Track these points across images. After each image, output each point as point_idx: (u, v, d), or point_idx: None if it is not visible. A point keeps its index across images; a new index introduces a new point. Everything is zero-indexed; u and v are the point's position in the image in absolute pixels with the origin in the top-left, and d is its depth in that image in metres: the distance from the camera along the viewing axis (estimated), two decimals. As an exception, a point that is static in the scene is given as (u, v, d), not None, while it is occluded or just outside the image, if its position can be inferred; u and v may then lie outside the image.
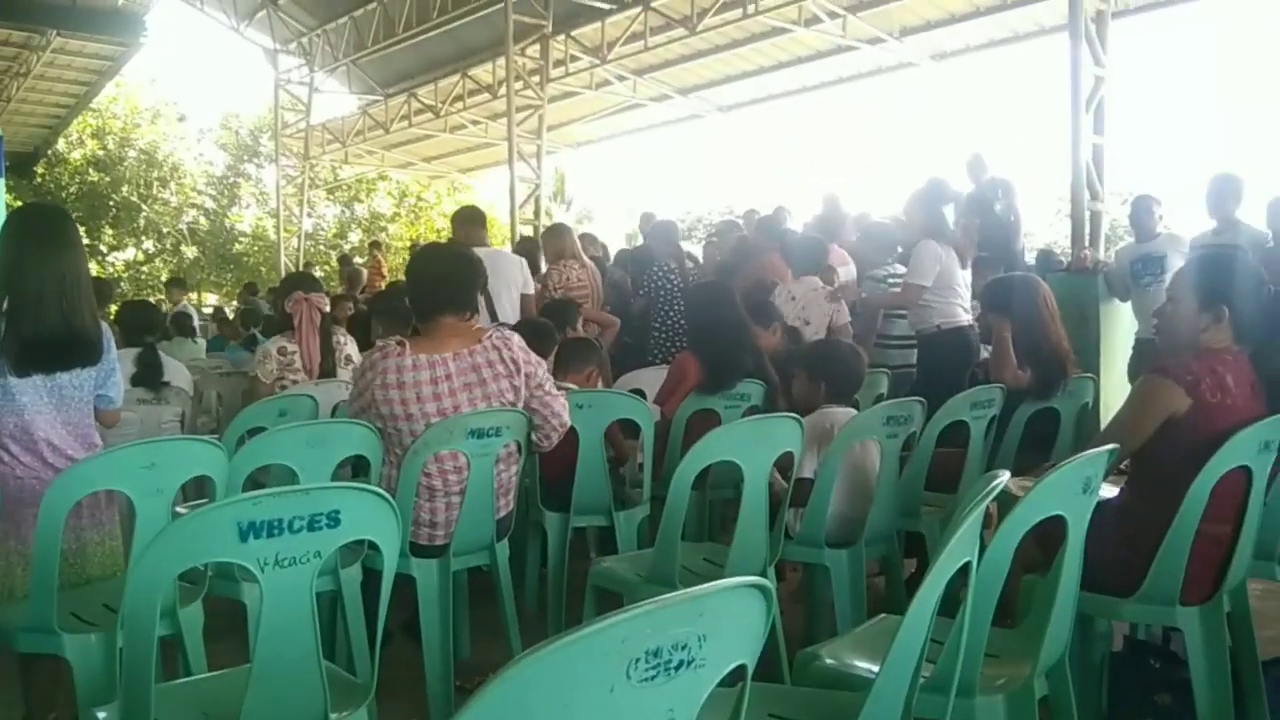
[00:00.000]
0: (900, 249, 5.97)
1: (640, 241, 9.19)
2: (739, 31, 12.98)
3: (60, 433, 2.70)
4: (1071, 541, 1.97)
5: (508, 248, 9.18)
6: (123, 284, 26.04)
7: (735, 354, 4.12)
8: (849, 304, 5.72)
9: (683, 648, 1.04)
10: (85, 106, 22.47)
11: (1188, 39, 55.75)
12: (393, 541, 1.91)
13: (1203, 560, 2.40)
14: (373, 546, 1.95)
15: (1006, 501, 1.94)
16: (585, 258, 6.82)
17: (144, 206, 28.18)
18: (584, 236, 8.33)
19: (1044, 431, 3.85)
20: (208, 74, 72.30)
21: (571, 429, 3.25)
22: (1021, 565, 1.95)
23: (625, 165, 52.61)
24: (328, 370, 4.41)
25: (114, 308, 6.82)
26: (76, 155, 27.56)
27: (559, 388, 3.27)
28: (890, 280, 5.96)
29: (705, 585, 1.07)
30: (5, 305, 2.61)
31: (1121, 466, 2.68)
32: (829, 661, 2.07)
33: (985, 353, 4.72)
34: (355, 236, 29.04)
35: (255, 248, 29.10)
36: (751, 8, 11.69)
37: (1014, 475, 2.27)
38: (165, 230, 29.08)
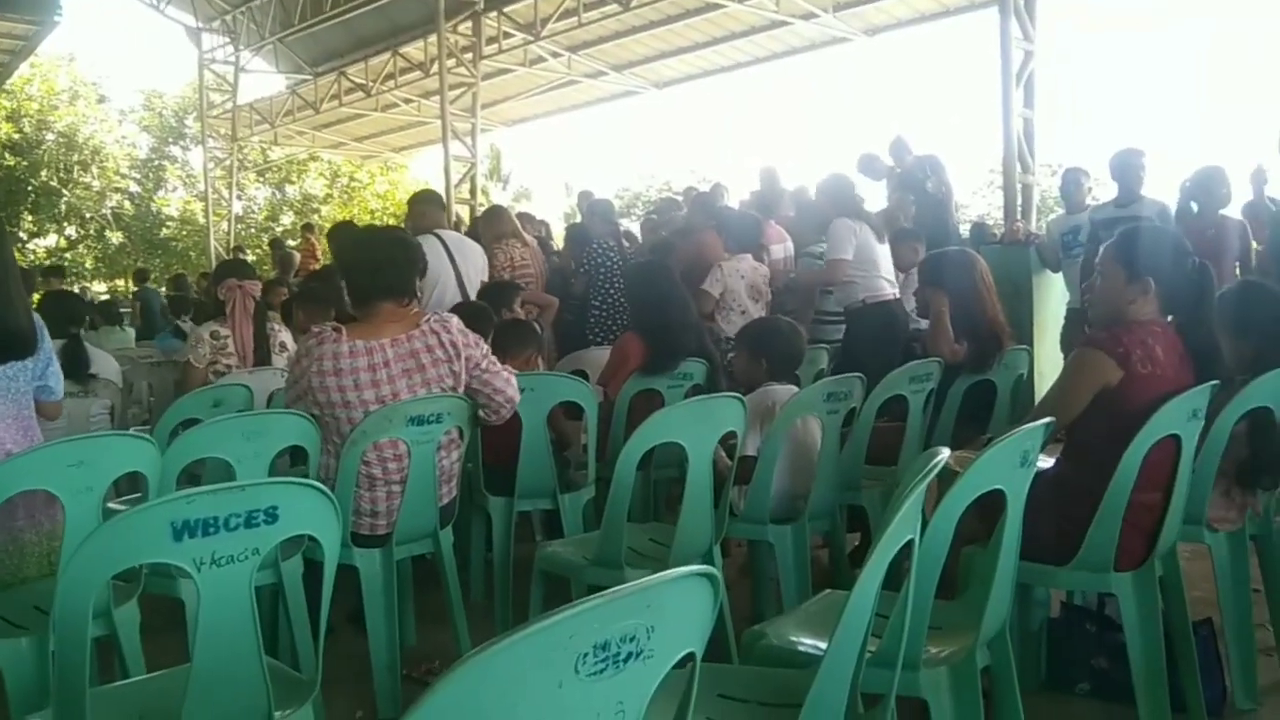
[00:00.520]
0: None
1: (578, 220, 9.15)
2: (673, 7, 12.94)
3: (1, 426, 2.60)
4: (1010, 514, 2.01)
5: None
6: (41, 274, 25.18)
7: (678, 333, 4.13)
8: (783, 282, 5.83)
9: (631, 639, 1.04)
10: (-2, 89, 21.72)
11: (1114, 15, 56.86)
12: (333, 535, 1.88)
13: (1135, 527, 2.46)
14: (313, 539, 1.92)
15: (947, 477, 1.97)
16: (527, 236, 6.76)
17: (65, 191, 27.25)
18: (522, 215, 8.26)
19: (981, 403, 3.93)
20: (128, 53, 69.80)
21: (515, 413, 3.23)
22: (962, 537, 1.98)
23: (562, 143, 52.41)
24: (262, 358, 4.32)
25: (36, 297, 6.57)
26: (-11, 140, 26.60)
27: (500, 369, 3.22)
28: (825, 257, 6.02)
29: (652, 576, 1.07)
30: None
31: (1057, 436, 2.73)
32: (775, 641, 2.08)
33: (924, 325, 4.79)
34: (287, 219, 28.45)
35: (184, 232, 28.32)
36: (685, -18, 11.69)
37: (953, 448, 2.31)
38: (89, 216, 28.19)
